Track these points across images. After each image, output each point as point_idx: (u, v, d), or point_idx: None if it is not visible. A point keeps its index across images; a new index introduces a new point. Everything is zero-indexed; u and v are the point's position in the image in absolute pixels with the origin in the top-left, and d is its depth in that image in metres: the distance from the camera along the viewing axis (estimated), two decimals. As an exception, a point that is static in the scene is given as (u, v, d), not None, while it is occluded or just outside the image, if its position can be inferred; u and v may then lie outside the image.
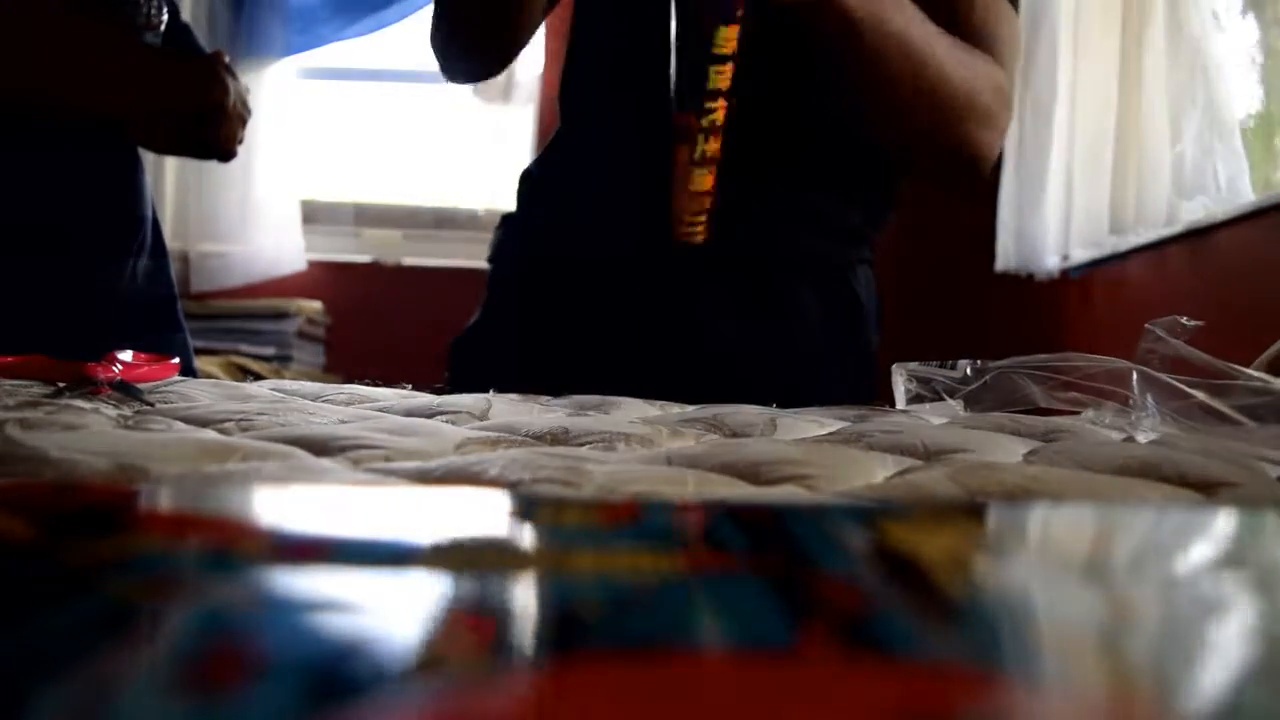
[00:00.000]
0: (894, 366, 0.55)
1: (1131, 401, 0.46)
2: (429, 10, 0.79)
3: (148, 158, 0.90)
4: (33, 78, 0.73)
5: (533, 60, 2.31)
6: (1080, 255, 1.90)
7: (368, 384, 0.55)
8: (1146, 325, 0.46)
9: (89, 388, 0.44)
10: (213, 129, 0.83)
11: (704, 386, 0.56)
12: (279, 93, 2.34)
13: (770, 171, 0.72)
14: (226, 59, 0.85)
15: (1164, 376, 0.44)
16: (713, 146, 0.63)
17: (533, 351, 0.76)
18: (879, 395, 0.68)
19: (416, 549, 0.18)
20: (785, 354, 0.73)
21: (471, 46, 0.75)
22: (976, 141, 0.68)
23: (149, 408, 0.42)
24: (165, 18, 0.81)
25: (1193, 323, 0.45)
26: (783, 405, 0.51)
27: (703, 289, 0.73)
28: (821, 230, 0.75)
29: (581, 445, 0.37)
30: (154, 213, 0.88)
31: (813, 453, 0.34)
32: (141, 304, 0.84)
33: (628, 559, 0.17)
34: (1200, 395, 0.42)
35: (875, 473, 0.33)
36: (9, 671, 0.11)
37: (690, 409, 0.49)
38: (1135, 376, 0.45)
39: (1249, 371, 0.43)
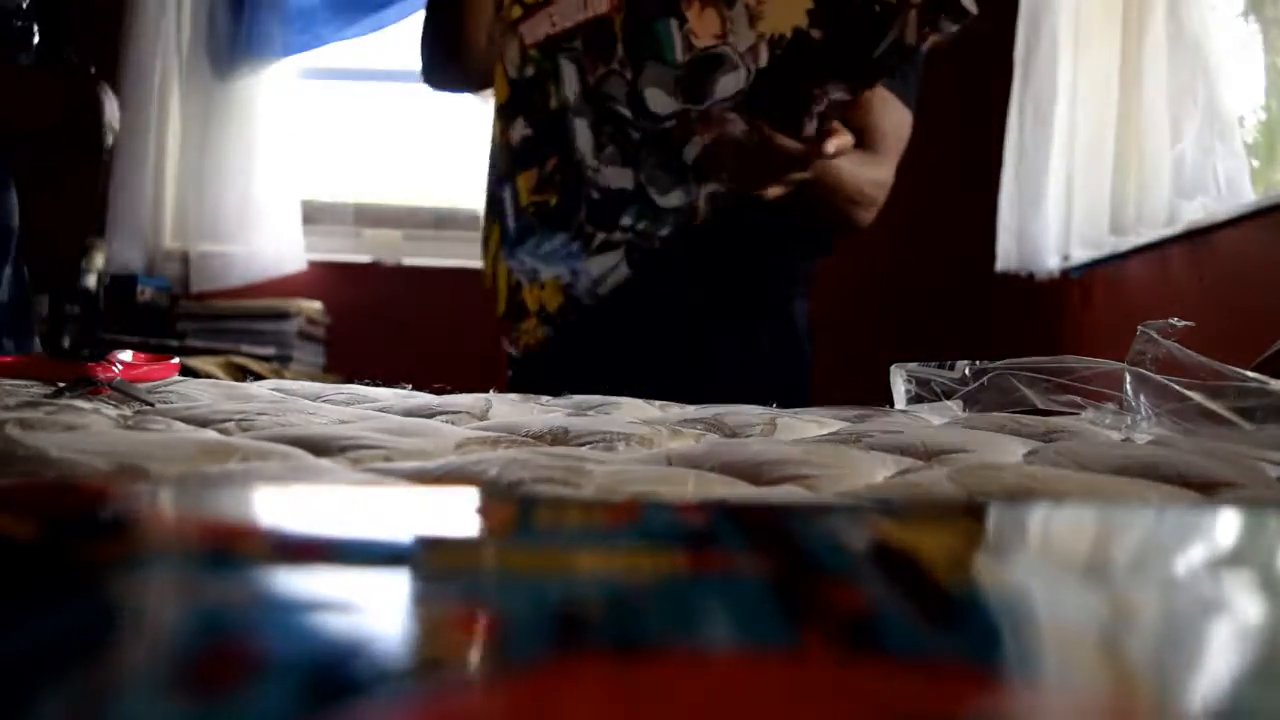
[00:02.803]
0: (893, 367, 0.55)
1: (1125, 403, 0.46)
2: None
3: (148, 157, 0.93)
4: None
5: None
6: (1080, 255, 1.90)
7: (368, 384, 0.55)
8: (1139, 327, 0.46)
9: (89, 388, 0.44)
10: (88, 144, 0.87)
11: (694, 387, 0.72)
12: (279, 93, 2.34)
13: (738, 240, 0.99)
14: (92, 70, 0.88)
15: (1159, 378, 0.44)
16: None
17: (579, 363, 0.97)
18: (810, 395, 0.97)
19: (415, 549, 0.18)
20: (742, 361, 1.02)
21: (446, 68, 1.03)
22: (859, 220, 0.98)
23: (149, 408, 0.42)
24: (36, 36, 0.83)
25: (1183, 324, 0.45)
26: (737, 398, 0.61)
27: (700, 317, 1.01)
28: (772, 277, 1.03)
29: (581, 445, 0.37)
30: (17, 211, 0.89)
31: (813, 453, 0.34)
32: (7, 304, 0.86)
33: (628, 559, 0.17)
34: (1197, 396, 0.42)
35: (875, 473, 0.33)
36: (9, 671, 0.11)
37: (690, 409, 0.49)
38: (1129, 378, 0.45)
39: (1241, 372, 0.43)
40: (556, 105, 0.82)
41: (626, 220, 0.81)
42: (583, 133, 0.81)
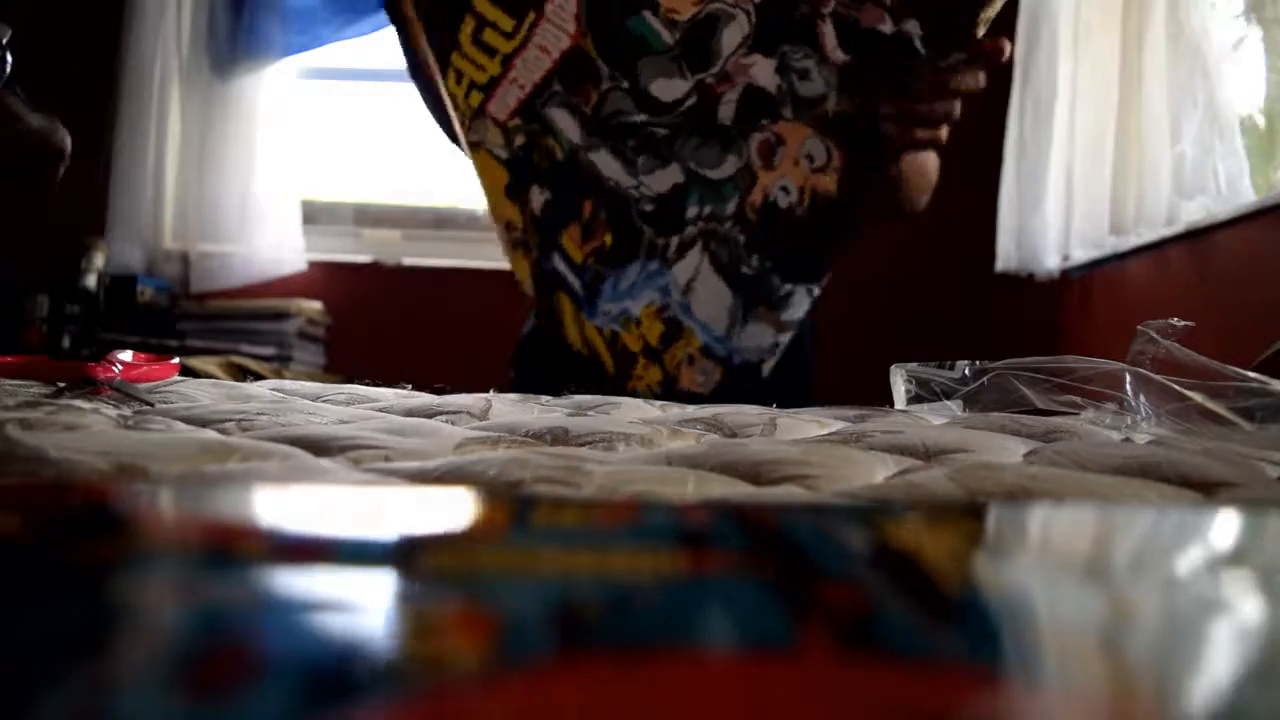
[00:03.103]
0: (893, 367, 0.55)
1: (1125, 403, 0.46)
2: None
3: (148, 157, 0.97)
4: None
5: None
6: (1080, 255, 1.90)
7: (368, 384, 0.55)
8: (1139, 327, 0.46)
9: (89, 388, 0.44)
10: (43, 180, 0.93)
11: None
12: (279, 93, 2.34)
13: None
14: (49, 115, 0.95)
15: (1159, 378, 0.44)
16: None
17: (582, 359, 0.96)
18: (812, 394, 0.97)
19: (415, 549, 0.18)
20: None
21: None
22: (921, 204, 0.99)
23: (149, 408, 0.42)
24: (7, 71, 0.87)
25: (1183, 324, 0.45)
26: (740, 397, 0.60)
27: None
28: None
29: (581, 445, 0.37)
30: None
31: (813, 453, 0.34)
32: None
33: (628, 559, 0.17)
34: (1197, 396, 0.42)
35: (875, 473, 0.33)
36: (9, 671, 0.11)
37: (690, 409, 0.49)
38: (1129, 378, 0.45)
39: (1242, 372, 0.43)
40: (564, 155, 0.81)
41: (692, 211, 0.80)
42: (605, 162, 0.81)
